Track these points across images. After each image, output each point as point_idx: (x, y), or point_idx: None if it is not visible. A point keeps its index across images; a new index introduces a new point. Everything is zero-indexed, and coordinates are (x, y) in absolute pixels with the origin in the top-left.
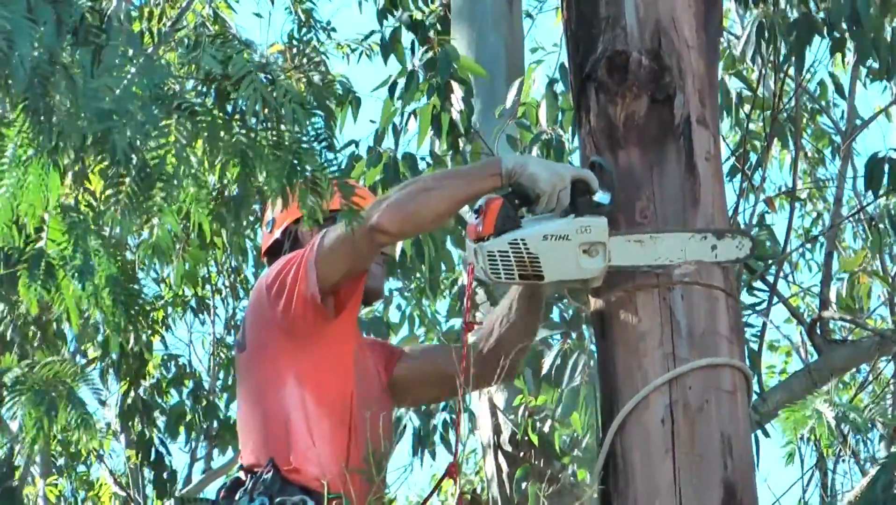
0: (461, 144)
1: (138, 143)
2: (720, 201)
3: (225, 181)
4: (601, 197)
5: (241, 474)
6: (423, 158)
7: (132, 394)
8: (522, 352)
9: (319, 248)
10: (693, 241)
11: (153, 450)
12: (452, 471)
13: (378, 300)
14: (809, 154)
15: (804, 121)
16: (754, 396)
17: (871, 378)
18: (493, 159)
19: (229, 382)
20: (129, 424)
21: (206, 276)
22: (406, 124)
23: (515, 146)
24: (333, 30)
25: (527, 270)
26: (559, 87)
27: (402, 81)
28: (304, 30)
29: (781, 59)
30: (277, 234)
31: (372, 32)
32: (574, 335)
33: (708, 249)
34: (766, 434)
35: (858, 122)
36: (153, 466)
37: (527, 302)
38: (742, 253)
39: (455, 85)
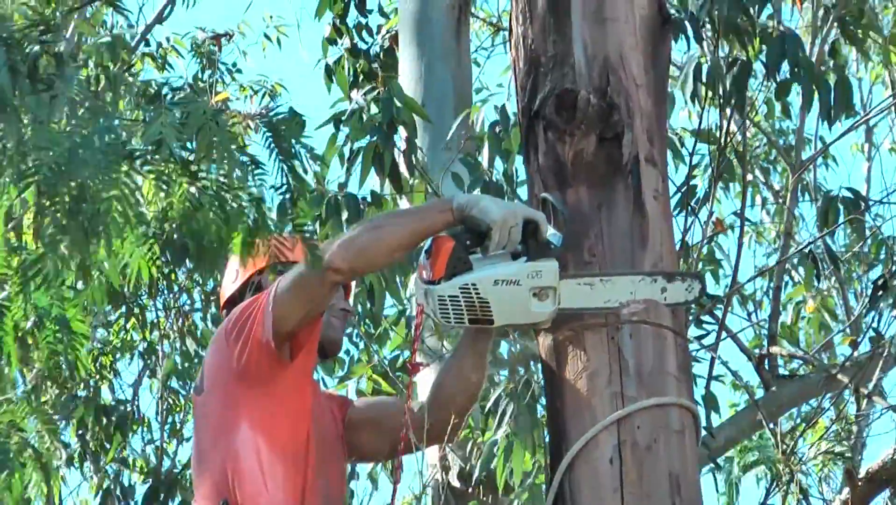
0: (407, 183)
1: (88, 189)
2: (668, 240)
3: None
4: (552, 236)
5: None
6: (363, 198)
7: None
8: (471, 401)
9: (276, 293)
10: (643, 284)
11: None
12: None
13: (336, 353)
14: (760, 187)
15: (754, 154)
16: (703, 433)
17: (815, 415)
18: (446, 198)
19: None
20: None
21: (155, 320)
22: (352, 161)
23: (461, 184)
24: (238, 71)
25: (477, 314)
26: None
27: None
28: (209, 71)
29: (722, 99)
30: (238, 284)
31: (319, 61)
32: (521, 371)
33: (658, 292)
34: (719, 467)
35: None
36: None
37: (473, 342)
38: (691, 296)
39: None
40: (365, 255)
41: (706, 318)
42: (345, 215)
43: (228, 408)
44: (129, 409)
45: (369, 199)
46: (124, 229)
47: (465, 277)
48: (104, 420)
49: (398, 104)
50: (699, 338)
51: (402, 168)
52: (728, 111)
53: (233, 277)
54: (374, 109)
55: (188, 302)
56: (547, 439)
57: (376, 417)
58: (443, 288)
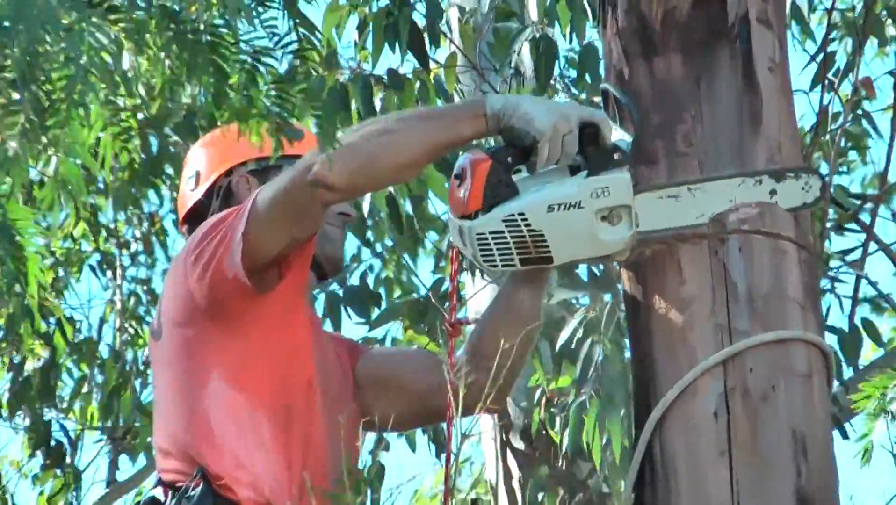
0: (432, 61)
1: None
2: (788, 123)
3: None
4: (619, 141)
5: (158, 492)
6: (380, 80)
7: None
8: (526, 346)
9: (251, 214)
10: (745, 188)
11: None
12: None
13: (337, 272)
14: None
15: None
16: (836, 382)
17: None
18: (475, 99)
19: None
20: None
21: (113, 224)
22: (364, 38)
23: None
24: None
25: (529, 252)
26: None
27: None
28: None
29: None
30: (202, 191)
31: None
32: (607, 297)
33: (765, 195)
34: (845, 435)
35: None
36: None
37: (528, 287)
38: (809, 197)
39: None
40: (368, 169)
41: (849, 224)
42: (355, 108)
43: (193, 356)
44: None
45: (386, 79)
46: (88, 101)
47: (510, 204)
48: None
49: None
50: (844, 253)
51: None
52: None
53: (193, 179)
54: None
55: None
56: (632, 388)
57: (395, 374)
58: (482, 222)
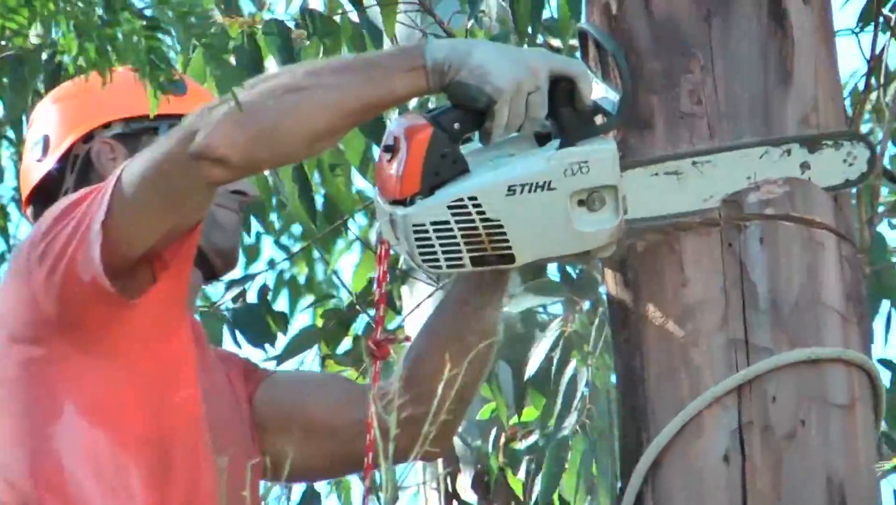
0: None
1: None
2: (828, 75)
3: None
4: (602, 100)
5: None
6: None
7: None
8: (478, 372)
9: (113, 196)
10: (767, 161)
11: None
12: None
13: (230, 268)
14: None
15: None
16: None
17: None
18: (413, 45)
19: None
20: None
21: None
22: None
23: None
24: None
25: (484, 248)
26: None
27: None
28: None
29: None
30: (53, 161)
31: None
32: (585, 306)
33: (794, 169)
34: None
35: None
36: None
37: (481, 294)
38: (854, 172)
39: None
40: (269, 138)
41: None
42: (271, 62)
43: (40, 381)
44: None
45: (310, 26)
46: None
47: (458, 186)
48: None
49: None
50: None
51: None
52: None
53: (40, 146)
54: None
55: None
56: (619, 424)
57: (303, 407)
58: (421, 210)
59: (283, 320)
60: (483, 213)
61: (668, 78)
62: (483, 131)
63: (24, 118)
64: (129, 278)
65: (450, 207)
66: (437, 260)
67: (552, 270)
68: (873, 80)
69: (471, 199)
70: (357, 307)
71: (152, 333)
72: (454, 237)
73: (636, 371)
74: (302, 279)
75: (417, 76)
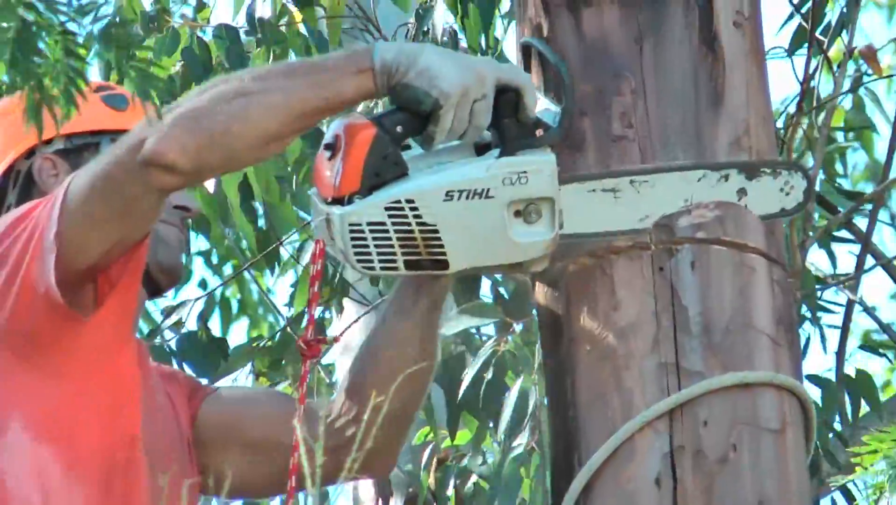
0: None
1: None
2: (759, 97)
3: None
4: (544, 112)
5: None
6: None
7: None
8: (416, 393)
9: (63, 208)
10: (706, 185)
11: None
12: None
13: (174, 284)
14: None
15: None
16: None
17: None
18: (360, 47)
19: None
20: None
21: None
22: None
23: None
24: None
25: (419, 252)
26: None
27: None
28: None
29: None
30: None
31: None
32: (518, 328)
33: (731, 195)
34: (849, 498)
35: None
36: None
37: (417, 289)
38: (790, 202)
39: None
40: (219, 143)
41: (840, 232)
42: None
43: None
44: None
45: (258, 31)
46: None
47: (397, 188)
48: None
49: None
50: (836, 280)
51: None
52: None
53: None
54: None
55: None
56: (549, 448)
57: (238, 423)
58: (358, 209)
59: (223, 347)
60: (420, 216)
61: (600, 100)
62: (426, 136)
63: None
64: (76, 294)
65: (387, 209)
66: (372, 262)
67: (485, 292)
68: (805, 105)
69: (408, 201)
70: (290, 330)
71: (102, 350)
72: (389, 239)
73: (567, 394)
74: (235, 303)
75: (365, 78)
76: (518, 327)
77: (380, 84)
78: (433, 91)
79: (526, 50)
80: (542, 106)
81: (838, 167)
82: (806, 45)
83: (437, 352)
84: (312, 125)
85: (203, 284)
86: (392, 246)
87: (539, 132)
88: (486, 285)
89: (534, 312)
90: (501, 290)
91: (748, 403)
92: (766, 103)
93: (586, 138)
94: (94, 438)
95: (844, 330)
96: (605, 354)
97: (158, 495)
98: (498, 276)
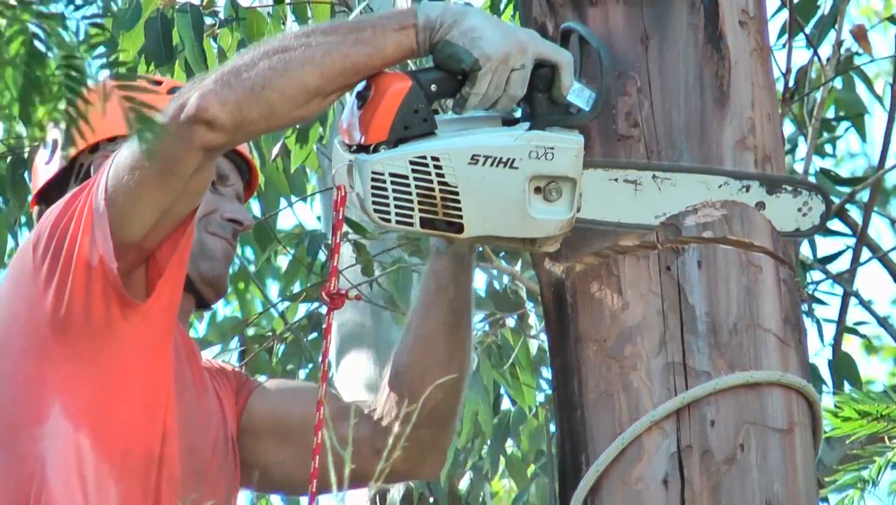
0: None
1: None
2: (765, 96)
3: None
4: (577, 93)
5: None
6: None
7: None
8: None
9: (111, 178)
10: (725, 191)
11: None
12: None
13: (219, 297)
14: None
15: None
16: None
17: None
18: (405, 8)
19: None
20: None
21: None
22: None
23: None
24: None
25: (435, 210)
26: None
27: None
28: None
29: None
30: (56, 168)
31: None
32: (513, 319)
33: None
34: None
35: None
36: None
37: (453, 258)
38: (806, 223)
39: None
40: (259, 98)
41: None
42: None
43: (31, 382)
44: None
45: (234, 14)
46: None
47: (424, 144)
48: None
49: None
50: (823, 261)
51: None
52: None
53: (48, 150)
54: None
55: None
56: (556, 448)
57: (291, 420)
58: (383, 158)
59: None
60: (442, 175)
61: (605, 99)
62: (459, 98)
63: None
64: (128, 278)
65: (411, 163)
66: (388, 213)
67: (478, 285)
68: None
69: (433, 158)
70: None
71: (146, 341)
72: (409, 194)
73: (574, 394)
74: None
75: (407, 35)
76: (510, 321)
77: (421, 40)
78: (475, 51)
79: (565, 36)
80: (576, 86)
81: (828, 148)
82: (787, 34)
83: (469, 340)
84: (354, 84)
85: None
86: (411, 201)
87: (573, 111)
88: (479, 279)
89: (527, 305)
90: (495, 283)
91: (755, 402)
92: (771, 102)
93: (591, 137)
94: (131, 430)
95: (840, 323)
96: (611, 354)
97: (194, 490)
98: (495, 272)
